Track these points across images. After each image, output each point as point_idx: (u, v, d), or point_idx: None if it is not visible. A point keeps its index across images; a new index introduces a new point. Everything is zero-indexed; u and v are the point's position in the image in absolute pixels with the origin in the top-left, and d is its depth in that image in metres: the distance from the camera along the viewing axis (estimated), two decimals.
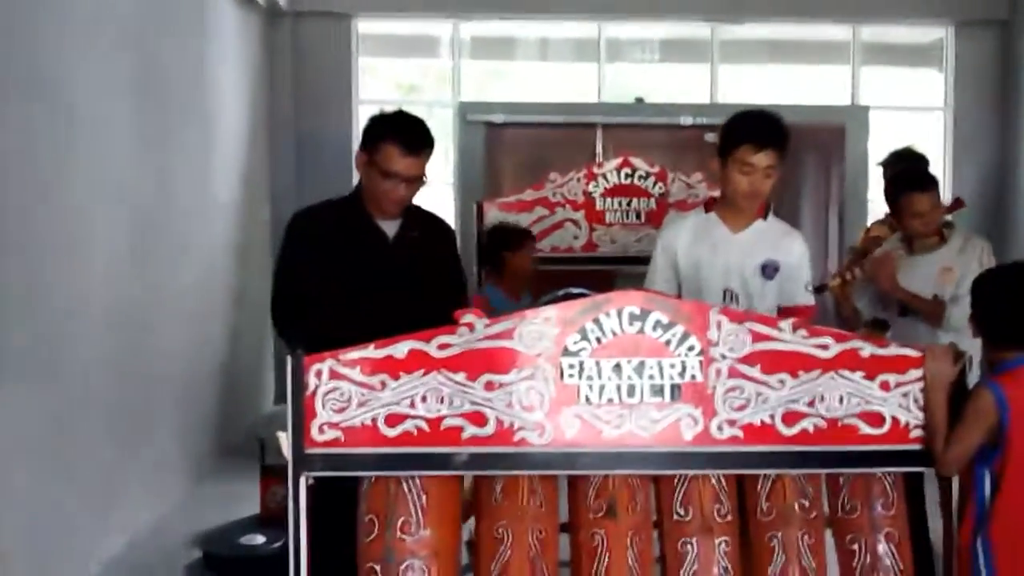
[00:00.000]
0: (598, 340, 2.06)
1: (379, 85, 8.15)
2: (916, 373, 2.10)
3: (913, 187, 3.29)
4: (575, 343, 2.05)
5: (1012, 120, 7.61)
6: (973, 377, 2.57)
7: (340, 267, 2.70)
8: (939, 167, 7.73)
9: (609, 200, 3.95)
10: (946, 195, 7.73)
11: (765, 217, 2.86)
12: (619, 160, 3.98)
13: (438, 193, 7.45)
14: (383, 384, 2.02)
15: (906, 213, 3.31)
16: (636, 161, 3.97)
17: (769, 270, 2.79)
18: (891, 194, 3.39)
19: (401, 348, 2.03)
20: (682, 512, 2.16)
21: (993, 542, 2.13)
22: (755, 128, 2.73)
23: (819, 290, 3.45)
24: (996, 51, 7.71)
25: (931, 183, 3.31)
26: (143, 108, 4.46)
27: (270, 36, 7.05)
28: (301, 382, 2.02)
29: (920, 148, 4.28)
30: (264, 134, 6.92)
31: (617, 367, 2.06)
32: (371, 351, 2.02)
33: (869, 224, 4.90)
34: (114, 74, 4.11)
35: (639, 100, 7.55)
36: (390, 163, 2.67)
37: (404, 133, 2.71)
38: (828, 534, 2.23)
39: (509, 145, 7.21)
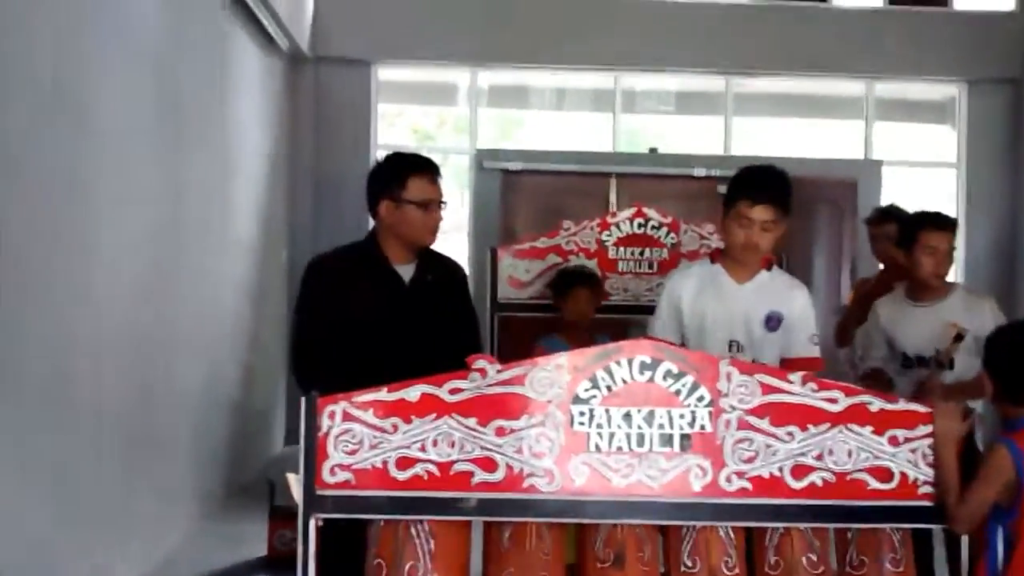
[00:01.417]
0: (609, 388, 2.07)
1: (396, 131, 8.27)
2: (925, 429, 2.11)
3: (935, 223, 3.31)
4: (586, 391, 2.07)
5: (1022, 176, 7.64)
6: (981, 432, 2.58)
7: (359, 311, 2.74)
8: None
9: (622, 249, 3.97)
10: (959, 252, 7.76)
11: (769, 268, 2.89)
12: (632, 210, 4.02)
13: (453, 240, 7.51)
14: (395, 427, 2.04)
15: (921, 248, 3.29)
16: (649, 211, 4.00)
17: (773, 322, 2.81)
18: (909, 230, 3.38)
19: (413, 392, 2.05)
20: (690, 564, 2.16)
21: None
22: (754, 182, 2.77)
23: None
24: (1007, 109, 7.77)
25: (951, 224, 3.33)
26: (162, 143, 4.52)
27: (292, 80, 7.18)
28: (315, 423, 2.04)
29: (907, 206, 4.29)
30: (284, 176, 7.02)
31: (627, 416, 2.07)
32: (384, 394, 2.05)
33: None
34: (135, 106, 4.17)
35: (653, 151, 7.63)
36: (424, 192, 2.77)
37: (422, 162, 2.83)
38: None
39: (524, 193, 7.28)
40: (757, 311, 2.82)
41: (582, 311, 3.72)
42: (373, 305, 2.75)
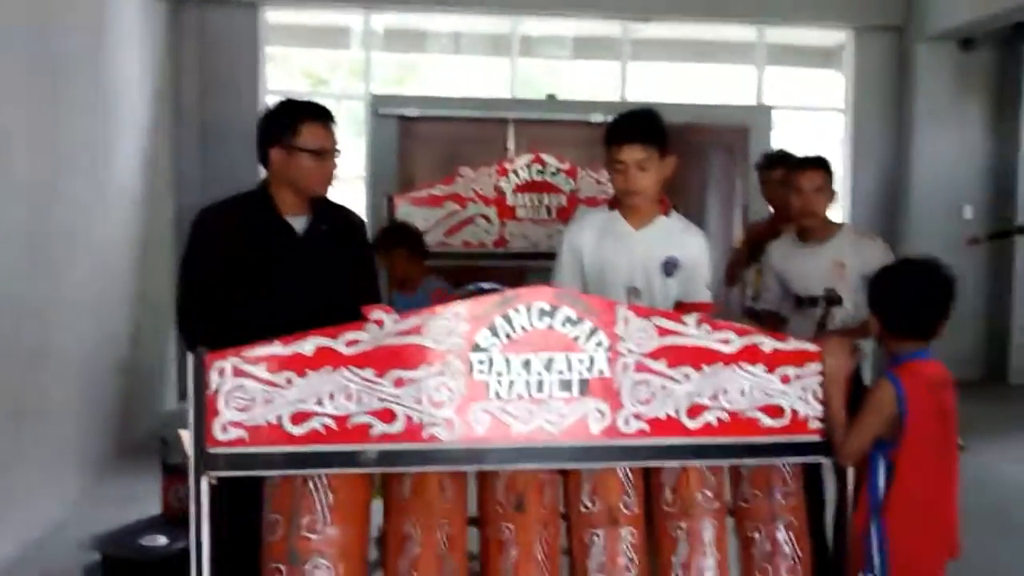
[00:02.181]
0: (508, 336, 2.06)
1: (288, 76, 8.02)
2: (814, 366, 2.17)
3: (802, 164, 3.40)
4: (485, 339, 2.06)
5: (906, 123, 7.93)
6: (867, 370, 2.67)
7: (249, 264, 2.64)
8: (838, 167, 7.99)
9: (520, 196, 3.96)
10: (845, 194, 8.03)
11: (667, 214, 2.91)
12: (530, 156, 4.00)
13: (350, 187, 7.36)
14: (289, 382, 1.99)
15: (794, 190, 3.38)
16: (547, 157, 3.99)
17: (670, 267, 2.84)
18: (784, 167, 3.49)
19: (308, 345, 2.00)
20: (589, 505, 2.19)
21: (887, 529, 2.21)
22: (619, 126, 2.79)
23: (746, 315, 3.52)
24: (892, 56, 8.01)
25: (819, 163, 3.41)
26: (37, 94, 4.28)
27: (175, 24, 6.85)
28: (203, 380, 1.98)
29: (796, 150, 4.40)
30: (169, 125, 6.73)
31: (527, 362, 2.07)
32: (277, 348, 1.99)
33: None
34: (2, 56, 3.93)
35: (551, 97, 7.60)
36: (318, 140, 2.67)
37: (316, 109, 2.71)
38: (731, 523, 2.29)
39: (421, 139, 7.18)
40: (654, 256, 2.84)
41: (404, 270, 3.74)
42: (265, 257, 2.65)
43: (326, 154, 2.69)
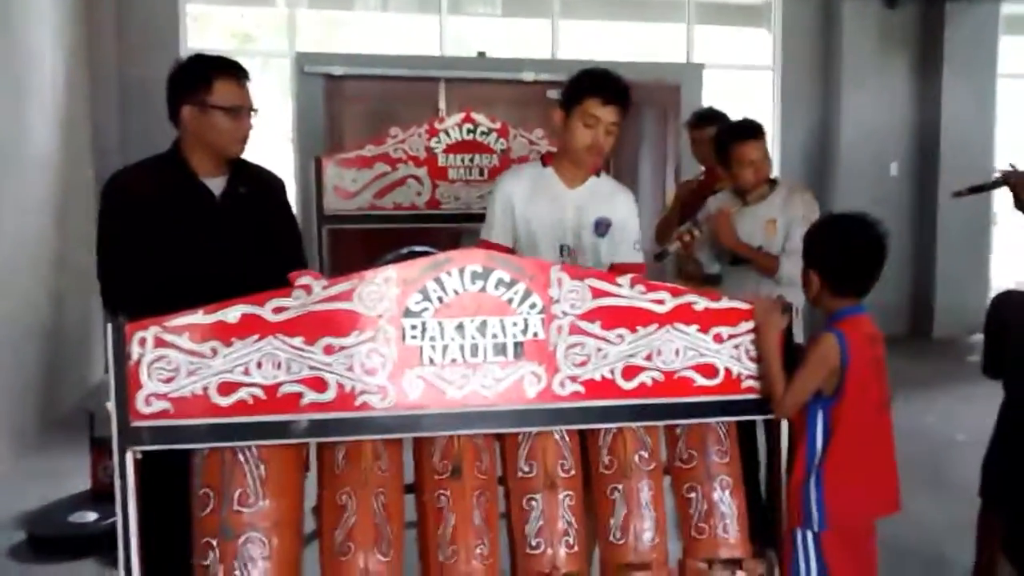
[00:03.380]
0: (440, 300, 2.03)
1: (211, 34, 7.76)
2: (747, 325, 2.18)
3: (745, 136, 3.39)
4: (417, 303, 2.02)
5: (833, 80, 8.03)
6: (798, 327, 2.69)
7: (165, 230, 2.52)
8: (768, 124, 8.08)
9: (452, 156, 3.89)
10: (775, 151, 8.13)
11: (598, 175, 2.89)
12: (461, 116, 3.92)
13: (277, 148, 7.20)
14: (214, 351, 1.92)
15: (738, 163, 3.40)
16: (478, 117, 3.92)
17: (602, 227, 2.82)
18: (722, 145, 3.48)
19: (233, 313, 1.93)
20: (527, 469, 2.17)
21: (826, 484, 2.24)
22: (603, 83, 2.74)
23: (660, 257, 3.53)
24: (818, 14, 8.09)
25: (760, 132, 3.43)
26: None
27: None
28: (123, 351, 1.90)
29: (726, 108, 4.42)
30: (85, 88, 6.47)
31: (460, 327, 2.03)
32: (200, 317, 1.92)
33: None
34: None
35: (481, 55, 7.50)
36: (232, 97, 2.55)
37: (229, 64, 2.59)
38: (667, 483, 2.30)
39: (350, 99, 7.04)
40: (587, 216, 2.82)
41: None
42: (181, 222, 2.54)
43: (241, 112, 2.57)
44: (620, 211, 2.85)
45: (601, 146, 2.75)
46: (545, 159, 2.92)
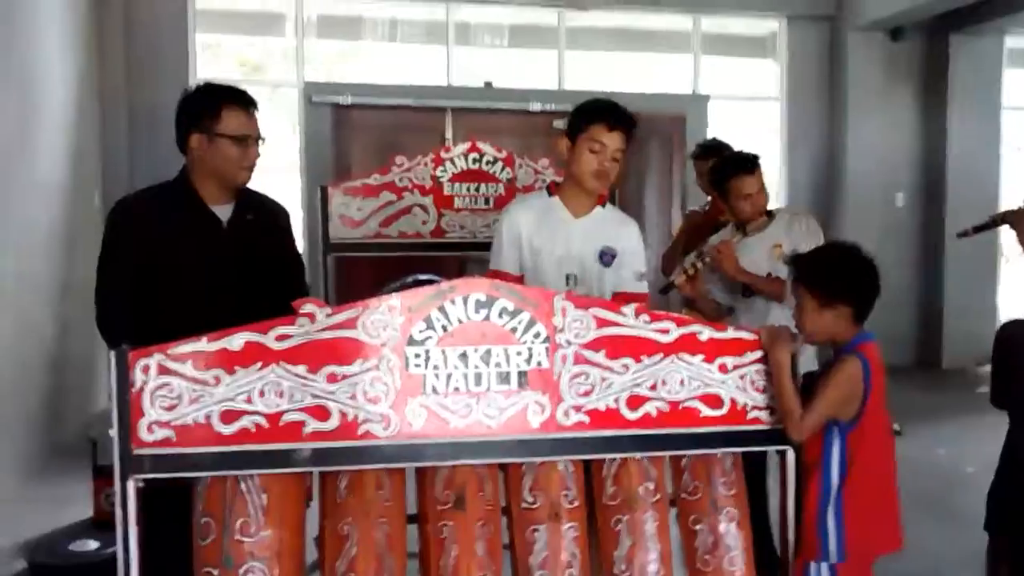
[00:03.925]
0: (444, 328, 2.02)
1: (221, 64, 7.83)
2: (753, 355, 2.17)
3: (740, 170, 3.40)
4: (420, 332, 2.01)
5: (839, 111, 8.06)
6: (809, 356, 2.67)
7: (171, 256, 2.53)
8: (774, 155, 8.10)
9: (457, 185, 3.89)
10: (781, 182, 8.14)
11: (603, 205, 2.90)
12: (467, 145, 3.93)
13: (285, 177, 7.23)
14: (217, 379, 1.92)
15: (735, 196, 3.41)
16: (483, 146, 3.93)
17: (607, 257, 2.83)
18: (719, 179, 3.49)
19: (236, 341, 1.93)
20: (530, 500, 2.16)
21: (846, 514, 2.21)
22: (611, 110, 2.77)
23: (665, 290, 3.52)
24: (824, 44, 8.13)
25: (755, 165, 3.43)
26: None
27: (98, 8, 6.62)
28: (126, 379, 1.89)
29: (731, 139, 4.43)
30: (94, 115, 6.52)
31: (463, 356, 2.03)
32: (203, 344, 1.92)
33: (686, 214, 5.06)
34: None
35: (488, 84, 7.55)
36: (240, 126, 2.57)
37: (237, 94, 2.61)
38: (673, 515, 2.28)
39: (357, 128, 7.08)
40: (592, 246, 2.82)
41: None
42: (188, 249, 2.54)
43: (248, 141, 2.59)
44: (625, 241, 2.85)
45: (607, 172, 2.76)
46: (551, 189, 2.93)
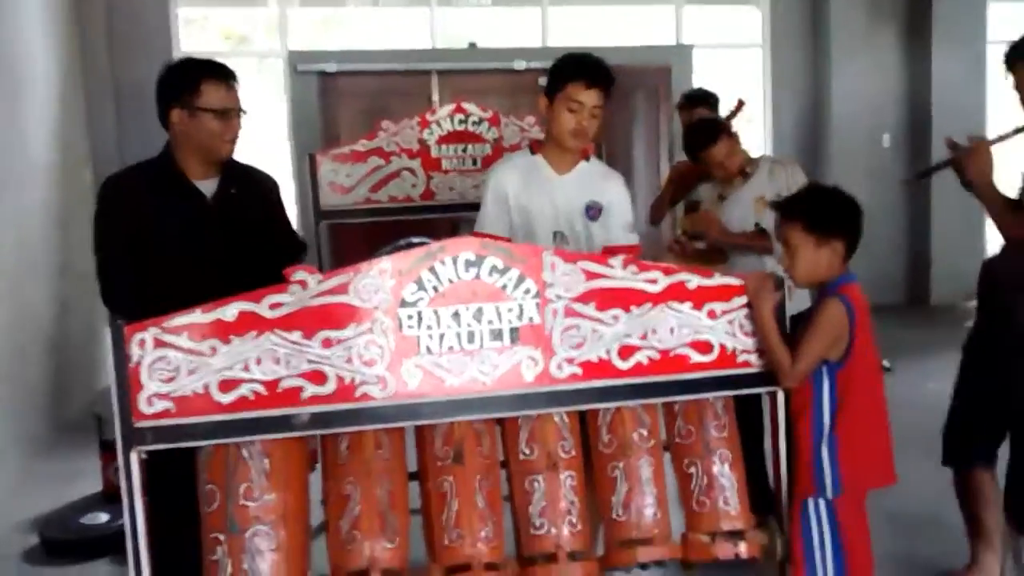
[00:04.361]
0: (435, 289, 2.05)
1: (206, 36, 7.77)
2: (740, 300, 2.21)
3: (708, 141, 3.42)
4: (412, 293, 2.04)
5: (823, 55, 8.02)
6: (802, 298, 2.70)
7: (160, 233, 2.55)
8: (759, 101, 8.08)
9: (444, 147, 3.89)
10: (767, 129, 8.13)
11: (587, 159, 2.91)
12: (452, 106, 3.93)
13: (274, 147, 7.21)
14: (213, 349, 1.95)
15: (706, 163, 3.45)
16: (469, 106, 3.92)
17: (593, 212, 2.84)
18: (690, 149, 3.52)
19: (230, 311, 1.96)
20: (528, 451, 2.20)
21: (840, 449, 2.25)
22: (584, 66, 2.75)
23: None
24: None
25: (719, 133, 3.44)
26: None
27: None
28: (123, 353, 1.93)
29: (711, 87, 4.43)
30: (80, 93, 6.49)
31: (455, 315, 2.06)
32: (198, 316, 1.95)
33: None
34: None
35: (472, 45, 7.51)
36: (220, 99, 2.57)
37: (216, 67, 2.61)
38: (667, 459, 2.33)
39: (344, 95, 7.05)
40: (577, 201, 2.83)
41: None
42: (173, 226, 2.57)
43: (229, 114, 2.59)
44: (610, 195, 2.86)
45: (585, 130, 2.76)
46: (533, 147, 2.93)
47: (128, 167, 2.71)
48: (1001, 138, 2.78)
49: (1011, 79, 2.69)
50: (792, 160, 3.64)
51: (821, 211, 2.33)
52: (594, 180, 2.87)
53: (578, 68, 2.75)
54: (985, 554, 2.92)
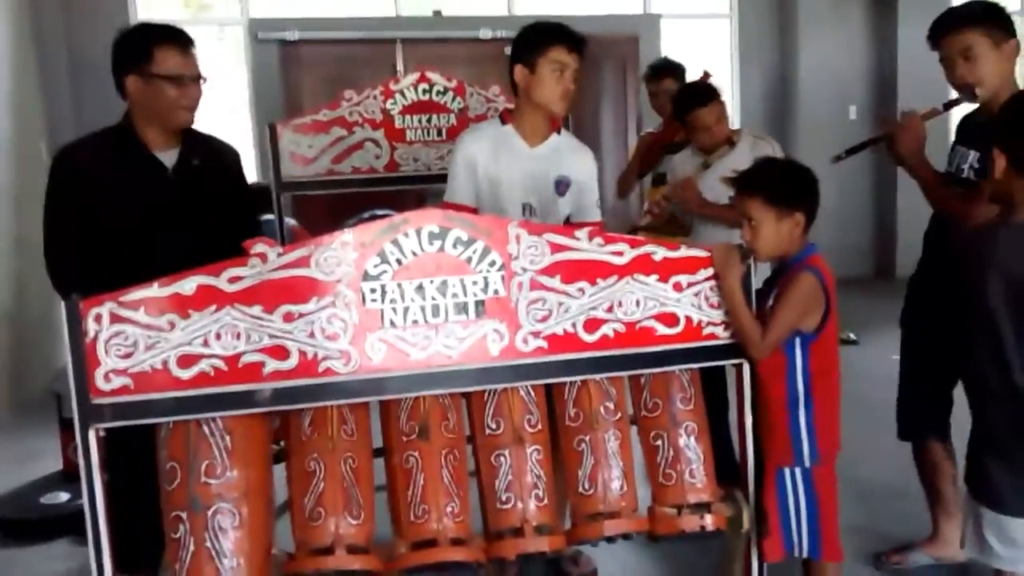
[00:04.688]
0: (399, 262, 2.02)
1: (166, 3, 7.58)
2: (706, 272, 2.20)
3: (698, 102, 3.39)
4: (375, 266, 2.01)
5: (790, 26, 8.01)
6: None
7: (118, 205, 2.48)
8: (726, 72, 8.06)
9: (408, 118, 3.82)
10: (735, 100, 8.12)
11: (559, 132, 2.87)
12: (416, 75, 3.85)
13: (235, 117, 7.09)
14: (172, 324, 1.91)
15: (694, 127, 3.41)
16: (433, 76, 3.85)
17: (562, 186, 2.81)
18: (678, 110, 3.48)
19: (188, 285, 1.91)
20: (494, 426, 2.19)
21: (817, 418, 2.26)
22: (565, 30, 2.73)
23: (632, 232, 3.54)
24: None
25: (712, 96, 3.41)
26: None
27: None
28: (79, 329, 1.88)
29: (677, 59, 4.40)
30: (32, 63, 6.31)
31: (420, 288, 2.03)
32: (155, 290, 1.90)
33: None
34: None
35: (437, 13, 7.41)
36: (175, 66, 2.50)
37: (171, 32, 2.53)
38: (634, 432, 2.32)
39: (306, 64, 6.94)
40: (548, 174, 2.80)
41: None
42: (132, 197, 2.50)
43: (184, 80, 2.52)
44: (580, 169, 2.84)
45: (571, 91, 2.74)
46: (504, 117, 2.89)
47: (84, 136, 2.62)
48: (933, 112, 2.79)
49: (939, 54, 2.69)
50: (771, 137, 3.62)
51: (780, 184, 2.33)
52: (565, 154, 2.84)
53: (559, 32, 2.73)
54: (946, 525, 2.95)
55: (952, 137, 2.87)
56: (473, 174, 2.81)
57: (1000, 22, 2.59)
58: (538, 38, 2.73)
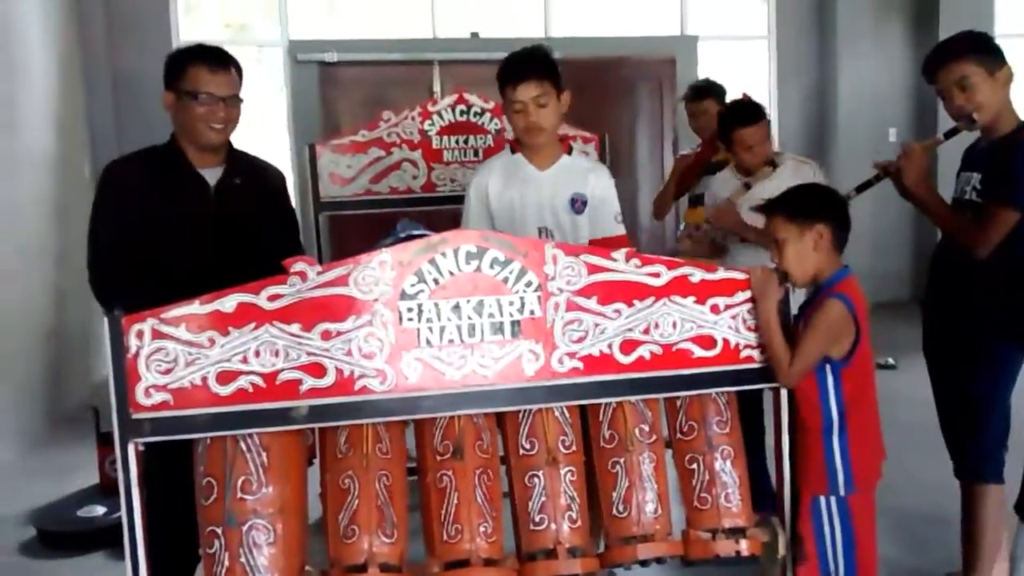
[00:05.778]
0: (436, 281, 2.03)
1: (208, 25, 7.72)
2: (744, 295, 2.18)
3: (743, 121, 3.38)
4: (412, 286, 2.02)
5: (829, 47, 7.97)
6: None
7: (159, 220, 2.53)
8: (764, 93, 8.03)
9: (446, 138, 3.86)
10: (773, 122, 8.07)
11: (569, 152, 2.89)
12: (454, 97, 3.90)
13: (275, 138, 7.18)
14: (212, 341, 1.93)
15: (737, 146, 3.40)
16: (471, 97, 3.89)
17: (577, 204, 2.82)
18: (722, 128, 3.47)
19: (228, 302, 1.93)
20: (528, 446, 2.18)
21: (852, 447, 2.24)
22: (509, 65, 2.76)
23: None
24: None
25: (759, 116, 3.41)
26: None
27: None
28: (121, 344, 1.90)
29: (721, 80, 4.39)
30: (78, 82, 6.45)
31: (456, 307, 2.04)
32: (196, 307, 1.92)
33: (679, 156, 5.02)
34: None
35: (474, 35, 7.47)
36: (199, 83, 2.55)
37: (204, 52, 2.60)
38: (669, 456, 2.30)
39: (344, 85, 7.02)
40: (561, 195, 2.81)
41: None
42: (177, 213, 2.54)
43: (212, 98, 2.56)
44: (595, 187, 2.84)
45: (536, 125, 2.74)
46: (513, 146, 2.91)
47: (131, 153, 2.70)
48: (935, 142, 2.80)
49: (935, 87, 2.72)
50: (813, 162, 3.59)
51: (797, 198, 2.36)
52: (578, 173, 2.85)
53: (504, 70, 2.75)
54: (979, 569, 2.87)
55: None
56: (485, 206, 2.84)
57: (989, 51, 2.68)
58: (498, 80, 2.78)
